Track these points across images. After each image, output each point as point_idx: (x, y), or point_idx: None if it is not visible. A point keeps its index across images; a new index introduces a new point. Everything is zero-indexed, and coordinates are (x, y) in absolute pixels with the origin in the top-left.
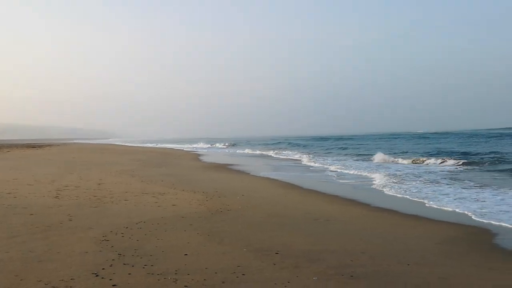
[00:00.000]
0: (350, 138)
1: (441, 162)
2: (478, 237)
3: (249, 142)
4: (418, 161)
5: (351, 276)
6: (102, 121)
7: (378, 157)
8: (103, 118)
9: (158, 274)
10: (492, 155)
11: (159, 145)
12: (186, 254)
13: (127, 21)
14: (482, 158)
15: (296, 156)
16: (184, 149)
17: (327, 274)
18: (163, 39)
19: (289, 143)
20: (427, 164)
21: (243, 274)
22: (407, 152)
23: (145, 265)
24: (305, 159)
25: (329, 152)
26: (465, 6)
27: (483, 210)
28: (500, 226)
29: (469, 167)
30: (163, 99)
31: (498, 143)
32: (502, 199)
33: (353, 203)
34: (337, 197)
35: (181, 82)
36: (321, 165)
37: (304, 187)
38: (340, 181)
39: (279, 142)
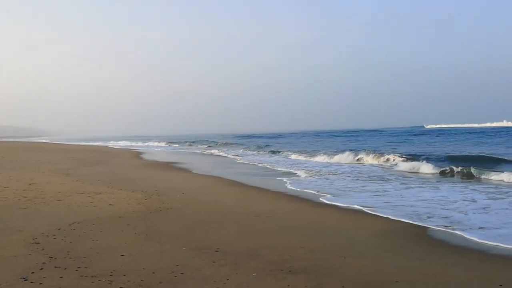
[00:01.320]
0: (279, 136)
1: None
2: (412, 230)
3: (192, 140)
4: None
5: (290, 271)
6: (33, 118)
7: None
8: (35, 116)
9: (92, 277)
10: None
11: (98, 143)
12: (122, 255)
13: (65, 16)
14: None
15: (232, 154)
16: (125, 147)
17: (266, 269)
18: (99, 36)
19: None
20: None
21: (181, 273)
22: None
23: (78, 267)
24: (243, 158)
25: (260, 149)
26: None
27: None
28: (428, 219)
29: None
30: (104, 98)
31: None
32: (420, 194)
33: (294, 198)
34: (278, 193)
35: (124, 80)
36: (259, 163)
37: (246, 184)
38: (278, 178)
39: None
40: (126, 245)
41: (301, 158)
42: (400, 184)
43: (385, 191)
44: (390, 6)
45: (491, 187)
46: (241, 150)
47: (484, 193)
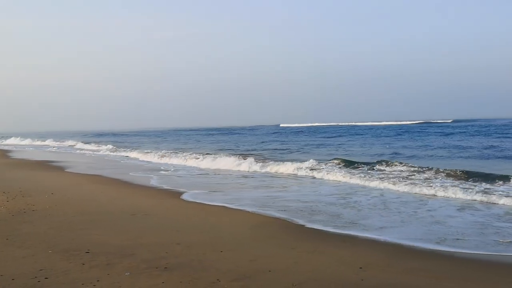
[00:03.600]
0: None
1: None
2: (284, 222)
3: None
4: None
5: (165, 268)
6: None
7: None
8: None
9: None
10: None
11: None
12: None
13: None
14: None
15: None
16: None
17: (140, 268)
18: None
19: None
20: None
21: (46, 278)
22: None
23: None
24: (130, 154)
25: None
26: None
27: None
28: (297, 212)
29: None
30: None
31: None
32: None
33: (171, 195)
34: (155, 190)
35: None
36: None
37: (123, 182)
38: (163, 172)
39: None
40: None
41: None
42: (260, 181)
43: (254, 188)
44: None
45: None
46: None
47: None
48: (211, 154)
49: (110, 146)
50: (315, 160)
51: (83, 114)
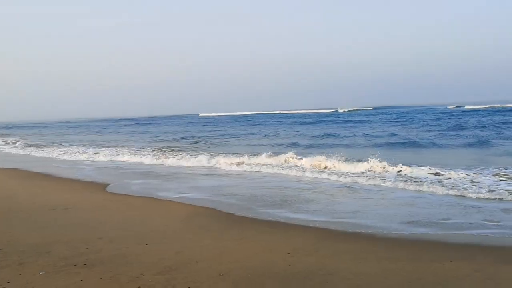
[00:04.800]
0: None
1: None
2: (213, 212)
3: None
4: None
5: (85, 264)
6: None
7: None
8: None
9: None
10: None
11: None
12: None
13: None
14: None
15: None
16: None
17: (57, 266)
18: None
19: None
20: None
21: None
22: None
23: None
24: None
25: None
26: None
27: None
28: (228, 200)
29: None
30: None
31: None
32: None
33: (94, 188)
34: (78, 183)
35: None
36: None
37: (44, 175)
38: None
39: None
40: None
41: None
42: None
43: (182, 180)
44: None
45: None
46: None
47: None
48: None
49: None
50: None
51: None
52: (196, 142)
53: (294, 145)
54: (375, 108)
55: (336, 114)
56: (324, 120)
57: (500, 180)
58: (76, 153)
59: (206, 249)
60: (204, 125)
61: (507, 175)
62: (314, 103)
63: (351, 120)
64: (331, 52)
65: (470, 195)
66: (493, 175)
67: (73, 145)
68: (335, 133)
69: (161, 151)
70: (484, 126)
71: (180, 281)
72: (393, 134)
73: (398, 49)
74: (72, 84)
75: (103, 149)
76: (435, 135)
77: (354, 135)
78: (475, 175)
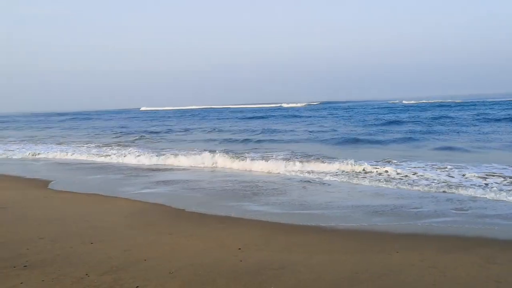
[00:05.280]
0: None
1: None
2: (163, 208)
3: None
4: None
5: (25, 266)
6: None
7: None
8: None
9: None
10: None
11: None
12: None
13: None
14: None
15: None
16: None
17: None
18: None
19: None
20: None
21: None
22: None
23: None
24: None
25: None
26: None
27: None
28: (175, 198)
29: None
30: None
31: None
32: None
33: (35, 185)
34: (17, 180)
35: None
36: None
37: None
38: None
39: None
40: None
41: None
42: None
43: (128, 176)
44: None
45: None
46: None
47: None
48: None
49: None
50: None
51: None
52: (140, 138)
53: (227, 141)
54: (322, 103)
55: (280, 109)
56: (262, 117)
57: (440, 172)
58: (14, 149)
59: (155, 247)
60: (144, 120)
61: (446, 168)
62: (257, 98)
63: (290, 115)
64: (281, 49)
65: (417, 188)
66: (436, 168)
67: (4, 140)
68: (276, 129)
69: (106, 146)
70: (417, 122)
71: (128, 281)
72: (334, 130)
73: (337, 45)
74: None
75: (42, 145)
76: (369, 132)
77: (292, 131)
78: (419, 169)
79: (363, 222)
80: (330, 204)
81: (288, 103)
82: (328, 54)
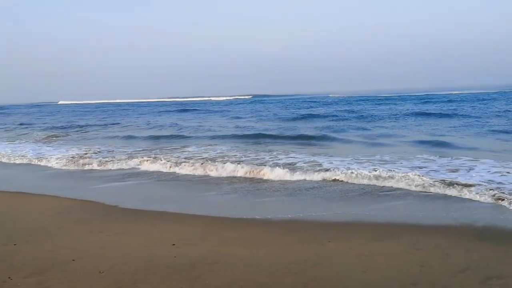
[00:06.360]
0: None
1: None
2: (93, 205)
3: None
4: None
5: None
6: None
7: None
8: None
9: None
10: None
11: None
12: None
13: None
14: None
15: None
16: None
17: None
18: None
19: None
20: None
21: None
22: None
23: None
24: None
25: None
26: None
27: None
28: (108, 195)
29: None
30: None
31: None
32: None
33: None
34: None
35: None
36: None
37: None
38: None
39: None
40: None
41: None
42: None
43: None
44: None
45: None
46: None
47: None
48: None
49: None
50: None
51: None
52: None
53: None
54: (254, 96)
55: (211, 102)
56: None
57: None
58: None
59: (85, 246)
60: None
61: (370, 162)
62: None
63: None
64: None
65: (349, 180)
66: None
67: None
68: (187, 126)
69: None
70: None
71: (54, 283)
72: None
73: (269, 39)
74: None
75: None
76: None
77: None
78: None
79: (301, 214)
80: (267, 198)
81: (218, 97)
82: (274, 48)
